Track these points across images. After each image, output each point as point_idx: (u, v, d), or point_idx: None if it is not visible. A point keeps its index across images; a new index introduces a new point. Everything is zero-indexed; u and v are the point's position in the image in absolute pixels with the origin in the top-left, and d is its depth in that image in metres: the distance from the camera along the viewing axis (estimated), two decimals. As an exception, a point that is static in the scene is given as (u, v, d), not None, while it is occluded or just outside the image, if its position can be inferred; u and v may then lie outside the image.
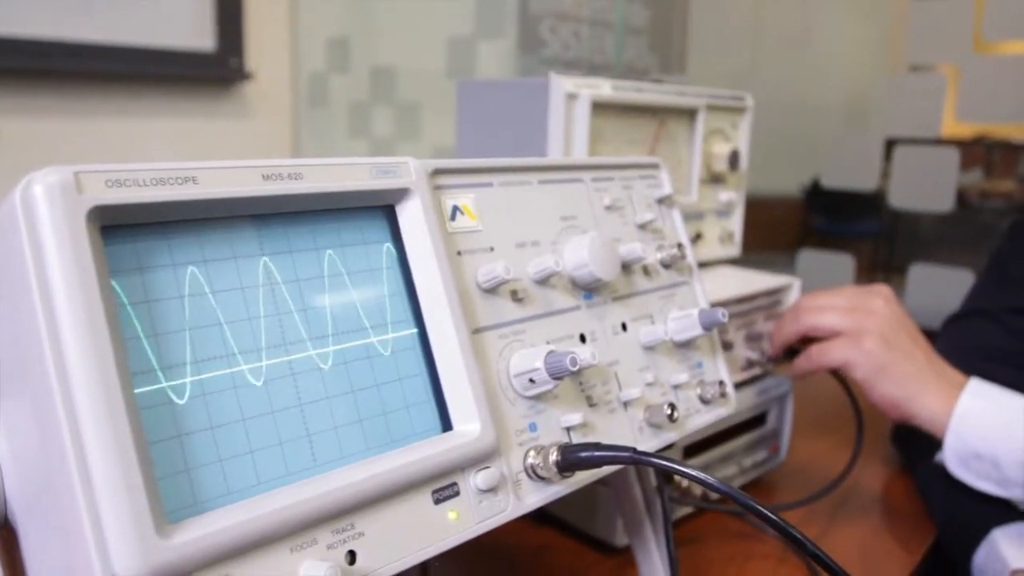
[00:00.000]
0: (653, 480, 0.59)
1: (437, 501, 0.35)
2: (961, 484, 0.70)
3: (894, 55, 1.37)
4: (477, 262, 0.40)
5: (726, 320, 0.48)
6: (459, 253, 0.39)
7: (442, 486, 0.35)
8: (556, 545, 0.75)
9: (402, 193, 0.37)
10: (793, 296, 0.86)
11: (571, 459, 0.37)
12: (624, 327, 0.46)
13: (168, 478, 0.29)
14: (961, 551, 0.73)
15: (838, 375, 0.76)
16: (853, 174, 1.41)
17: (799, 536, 0.34)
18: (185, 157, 1.75)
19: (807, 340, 0.77)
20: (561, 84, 0.71)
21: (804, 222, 3.38)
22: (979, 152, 3.23)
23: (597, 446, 0.37)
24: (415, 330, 0.37)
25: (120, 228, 0.30)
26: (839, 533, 0.75)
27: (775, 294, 0.84)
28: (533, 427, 0.40)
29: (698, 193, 0.84)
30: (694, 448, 0.76)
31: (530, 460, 0.38)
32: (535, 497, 0.39)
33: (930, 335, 0.82)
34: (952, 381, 0.70)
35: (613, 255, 0.44)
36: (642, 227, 0.50)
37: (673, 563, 0.52)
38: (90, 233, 0.27)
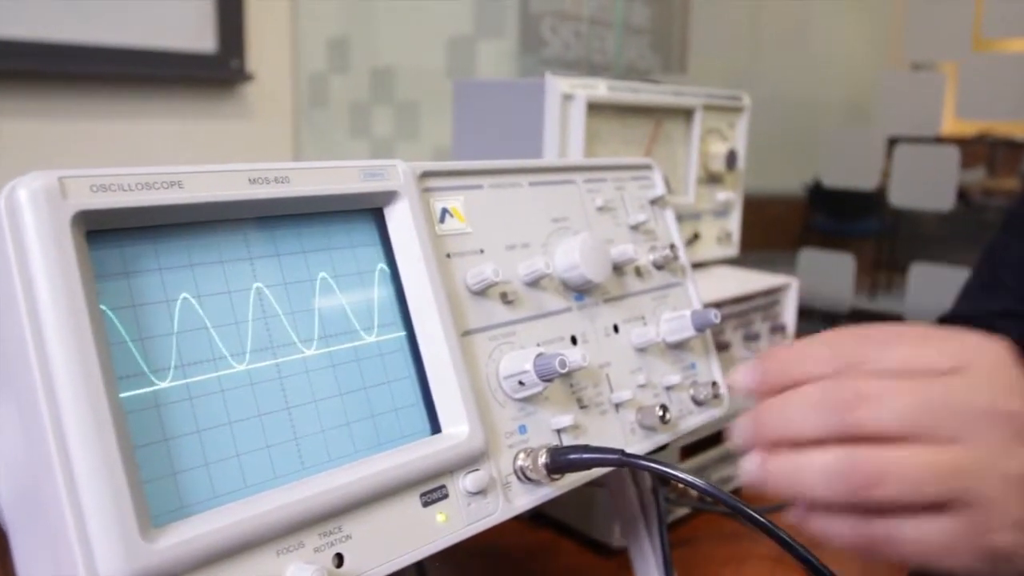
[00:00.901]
0: (648, 482, 0.59)
1: (426, 504, 0.35)
2: None
3: (893, 53, 1.37)
4: (467, 264, 0.40)
5: (718, 321, 0.48)
6: (448, 255, 0.39)
7: (430, 488, 0.35)
8: (555, 547, 0.75)
9: (390, 196, 0.37)
10: (791, 297, 0.86)
11: (560, 461, 0.37)
12: (616, 329, 0.46)
13: (154, 482, 0.29)
14: None
15: None
16: (853, 173, 1.41)
17: (786, 538, 0.34)
18: (186, 158, 1.76)
19: None
20: (557, 85, 0.71)
21: (806, 221, 3.37)
22: (982, 150, 3.22)
23: (586, 448, 0.37)
24: (404, 333, 0.37)
25: (107, 233, 0.30)
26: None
27: (773, 294, 0.84)
28: (523, 429, 0.40)
29: (695, 193, 0.84)
30: (691, 449, 0.76)
31: (520, 462, 0.38)
32: (525, 499, 0.39)
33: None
34: None
35: (604, 257, 0.44)
36: (635, 228, 0.50)
37: (668, 565, 0.52)
38: (75, 238, 0.28)
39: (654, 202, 0.52)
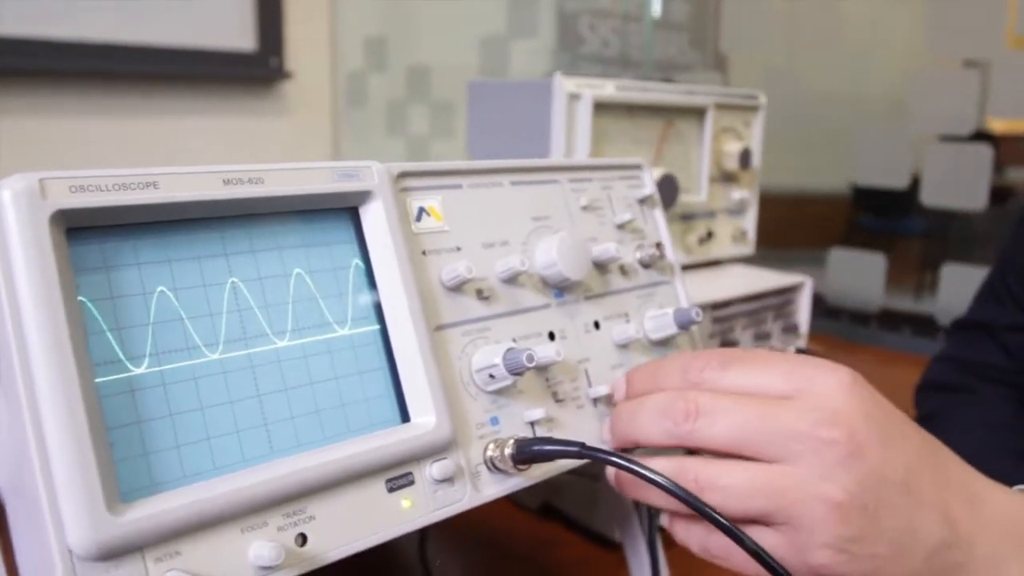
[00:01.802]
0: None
1: (391, 489, 0.36)
2: None
3: (929, 50, 1.35)
4: (442, 261, 0.41)
5: (700, 319, 0.48)
6: (424, 253, 0.41)
7: (396, 475, 0.37)
8: (561, 539, 0.76)
9: (364, 196, 0.39)
10: (805, 296, 0.86)
11: (524, 452, 0.39)
12: (596, 325, 0.48)
13: (126, 460, 0.31)
14: None
15: None
16: (885, 171, 1.39)
17: (737, 532, 0.35)
18: (226, 155, 1.82)
19: None
20: (563, 85, 0.72)
21: (852, 220, 3.31)
22: (1030, 148, 3.12)
23: (548, 440, 0.39)
24: (377, 326, 0.39)
25: (87, 230, 0.32)
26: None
27: (785, 293, 0.84)
28: (495, 421, 0.41)
29: (708, 192, 0.84)
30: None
31: (489, 452, 0.40)
32: (494, 488, 0.40)
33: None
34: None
35: (583, 255, 0.45)
36: (621, 227, 0.51)
37: (655, 560, 0.53)
38: (53, 234, 0.30)
39: (643, 201, 0.53)
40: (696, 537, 0.40)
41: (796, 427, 0.37)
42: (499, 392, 0.41)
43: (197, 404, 0.33)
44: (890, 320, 1.37)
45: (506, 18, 1.96)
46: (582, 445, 0.38)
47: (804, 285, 0.85)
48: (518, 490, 0.41)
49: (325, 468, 0.34)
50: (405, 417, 0.38)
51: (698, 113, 0.83)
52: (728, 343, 0.78)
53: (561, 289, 0.46)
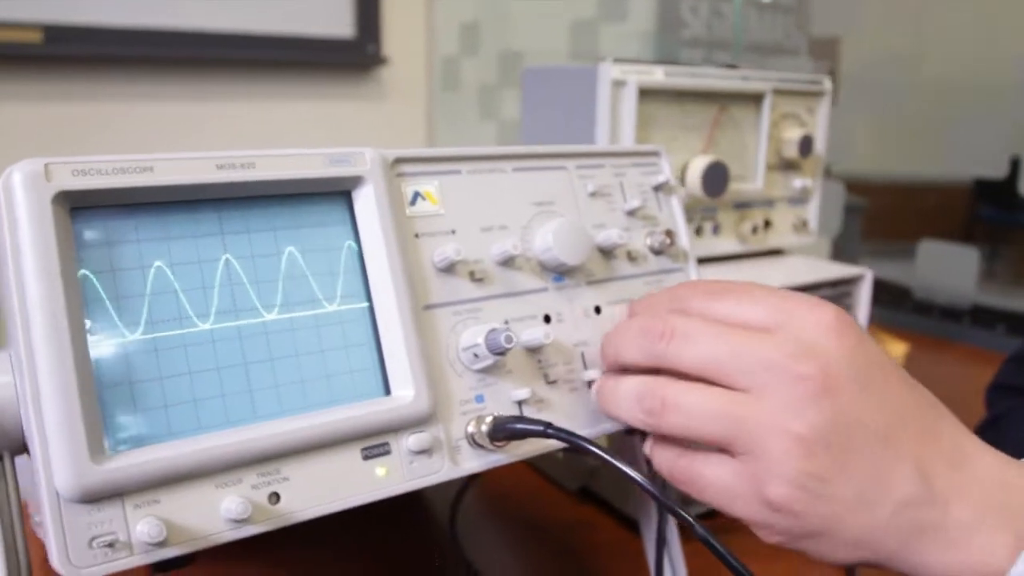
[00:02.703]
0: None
1: (366, 457, 0.39)
2: None
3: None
4: (435, 244, 0.43)
5: (703, 307, 0.48)
6: (417, 235, 0.43)
7: (373, 444, 0.39)
8: (596, 522, 0.77)
9: (357, 180, 0.41)
10: (864, 289, 0.83)
11: (499, 429, 0.40)
12: (598, 310, 0.48)
13: (117, 416, 0.34)
14: None
15: None
16: (989, 160, 1.32)
17: (692, 521, 0.36)
18: (324, 139, 1.91)
19: None
20: (608, 71, 0.73)
21: (974, 211, 3.12)
22: None
23: (520, 419, 0.40)
24: (366, 304, 0.41)
25: (92, 209, 0.35)
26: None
27: (841, 285, 0.82)
28: (480, 399, 0.43)
29: (765, 180, 0.83)
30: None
31: (470, 428, 0.42)
32: (473, 463, 0.42)
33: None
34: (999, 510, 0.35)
35: (582, 240, 0.46)
36: (631, 214, 0.51)
37: (661, 544, 0.53)
38: (55, 213, 0.33)
39: (659, 188, 0.53)
40: (665, 460, 0.41)
41: (769, 357, 0.36)
42: (486, 371, 0.43)
43: (186, 369, 0.36)
44: (984, 317, 1.30)
45: (596, 2, 1.95)
46: (548, 425, 0.39)
47: (864, 277, 0.82)
48: (498, 466, 0.43)
49: (300, 433, 0.37)
50: (388, 390, 0.41)
51: (755, 99, 0.81)
52: (774, 334, 0.76)
53: (560, 273, 0.47)
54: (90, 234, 0.35)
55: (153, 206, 0.37)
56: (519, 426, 0.39)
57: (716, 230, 0.81)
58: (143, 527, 0.33)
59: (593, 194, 0.50)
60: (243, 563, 0.63)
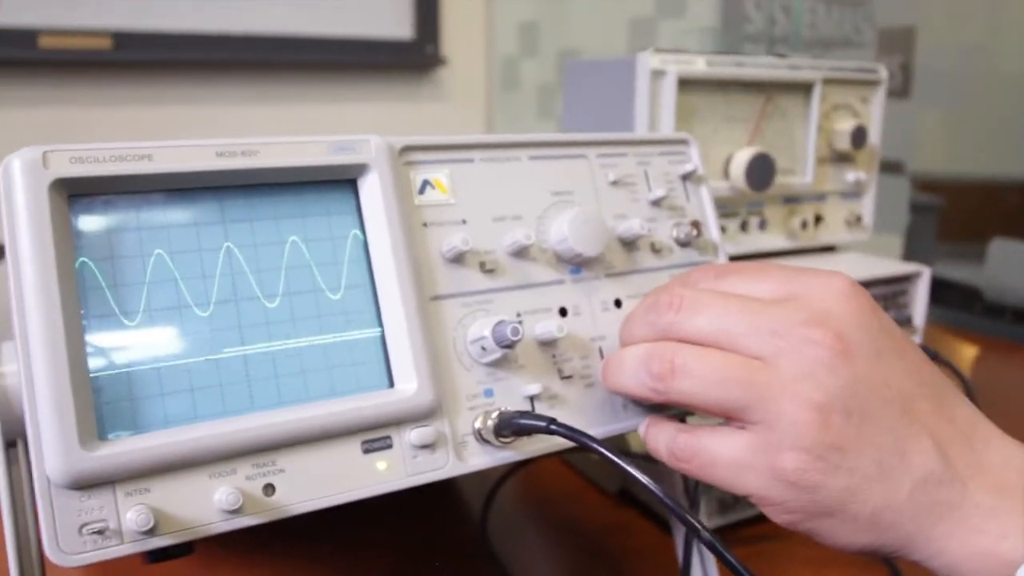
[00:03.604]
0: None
1: (367, 451, 0.38)
2: None
3: None
4: (444, 233, 0.42)
5: (729, 302, 0.46)
6: (425, 225, 0.42)
7: (373, 437, 0.38)
8: (634, 526, 0.75)
9: (362, 168, 0.40)
10: (922, 288, 0.79)
11: (504, 424, 0.39)
12: (618, 303, 0.47)
13: (111, 404, 0.34)
14: None
15: None
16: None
17: (698, 525, 0.34)
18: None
19: None
20: (647, 61, 0.71)
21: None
22: None
23: (525, 414, 0.39)
24: (372, 294, 0.40)
25: (93, 197, 0.36)
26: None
27: (897, 283, 0.78)
28: (489, 393, 0.41)
29: (814, 173, 0.79)
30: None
31: (477, 424, 0.40)
32: (480, 460, 0.40)
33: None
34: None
35: (599, 230, 0.45)
36: (655, 203, 0.49)
37: (688, 549, 0.51)
38: (53, 200, 0.34)
39: (687, 177, 0.51)
40: (664, 438, 0.39)
41: (781, 323, 0.35)
42: (496, 365, 0.42)
43: (184, 358, 0.36)
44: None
45: (655, -1, 1.92)
46: (551, 420, 0.37)
47: (921, 275, 0.78)
48: (506, 463, 0.41)
49: (298, 424, 0.36)
50: (392, 383, 0.40)
51: (804, 89, 0.78)
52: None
53: (578, 265, 0.46)
54: (89, 221, 0.35)
55: (154, 193, 0.37)
56: (523, 421, 0.38)
57: (763, 225, 0.78)
58: (132, 515, 0.32)
59: (615, 183, 0.48)
60: (260, 552, 0.63)
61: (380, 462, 0.38)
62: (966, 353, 1.13)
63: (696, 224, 0.49)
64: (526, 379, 0.43)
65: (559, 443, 0.42)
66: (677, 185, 0.50)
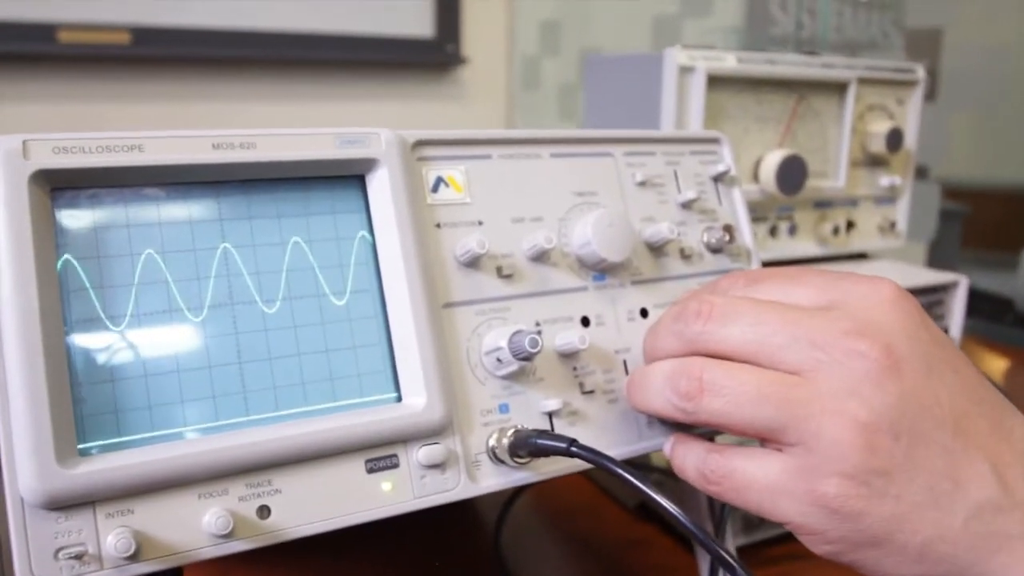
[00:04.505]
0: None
1: (371, 470, 0.35)
2: None
3: None
4: (459, 235, 0.39)
5: (764, 313, 0.43)
6: (438, 225, 0.39)
7: (378, 456, 0.35)
8: (653, 541, 0.72)
9: (370, 163, 0.37)
10: (959, 298, 0.75)
11: (520, 443, 0.36)
12: (644, 313, 0.43)
13: (95, 416, 0.31)
14: None
15: None
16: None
17: (721, 552, 0.30)
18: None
19: None
20: (675, 57, 0.67)
21: None
22: None
23: (543, 433, 0.36)
24: (380, 300, 0.37)
25: (79, 191, 0.33)
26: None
27: (933, 293, 0.74)
28: (504, 408, 0.38)
29: (847, 177, 0.76)
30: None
31: (491, 441, 0.37)
32: (494, 480, 0.37)
33: None
34: None
35: (626, 234, 0.41)
36: (686, 206, 0.46)
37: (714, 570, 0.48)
38: (33, 193, 0.31)
39: (718, 179, 0.48)
40: (693, 459, 0.36)
41: (821, 333, 0.32)
42: (512, 377, 0.39)
43: (174, 367, 0.33)
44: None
45: (679, -3, 1.89)
46: (572, 442, 0.34)
47: (958, 285, 0.74)
48: (523, 484, 0.38)
49: (296, 440, 0.33)
50: (400, 396, 0.37)
51: (838, 88, 0.74)
52: (856, 345, 0.69)
53: (602, 271, 0.43)
54: (73, 217, 0.33)
55: (145, 188, 0.34)
56: (541, 442, 0.35)
57: (792, 231, 0.74)
58: (113, 539, 0.30)
59: (642, 184, 0.45)
60: (257, 561, 0.61)
61: (385, 482, 0.35)
62: (997, 365, 1.09)
63: (728, 228, 0.46)
64: (545, 393, 0.39)
65: (578, 464, 0.39)
66: (708, 187, 0.47)
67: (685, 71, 0.67)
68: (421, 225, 0.38)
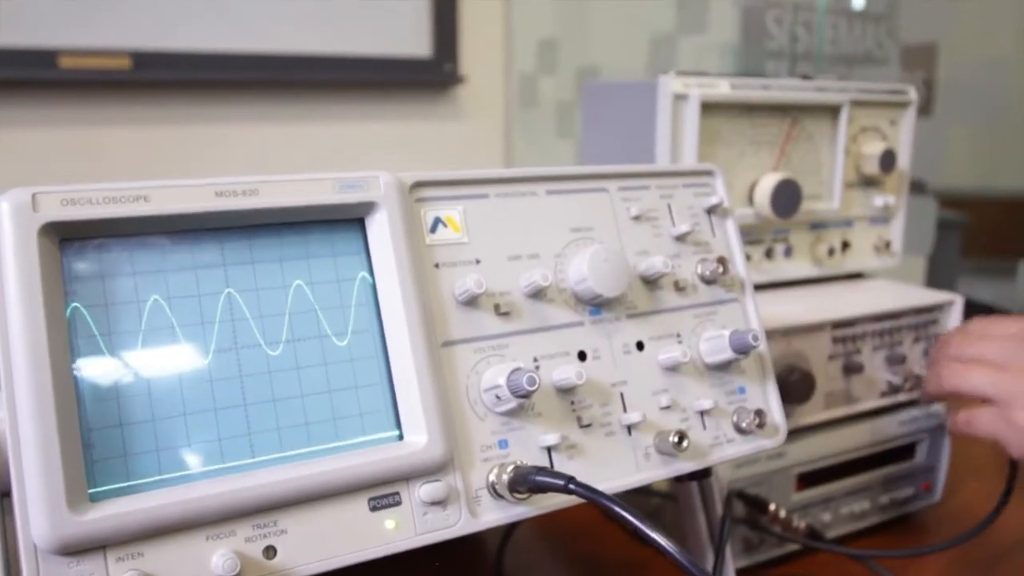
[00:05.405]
0: (717, 508, 0.56)
1: (374, 508, 0.36)
2: None
3: None
4: (457, 274, 0.40)
5: (758, 345, 0.44)
6: (437, 266, 0.40)
7: (381, 494, 0.36)
8: (654, 563, 0.72)
9: (369, 207, 0.38)
10: (954, 317, 0.75)
11: (520, 480, 0.37)
12: (640, 346, 0.44)
13: (105, 461, 0.32)
14: None
15: None
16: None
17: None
18: (402, 159, 1.89)
19: None
20: (669, 84, 0.68)
21: None
22: None
23: (542, 470, 0.36)
24: (380, 340, 0.38)
25: (84, 240, 0.34)
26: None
27: (927, 312, 0.75)
28: (503, 444, 0.39)
29: (841, 198, 0.77)
30: (812, 478, 0.70)
31: (491, 477, 0.38)
32: (493, 515, 0.38)
33: None
34: None
35: (620, 269, 0.42)
36: (680, 239, 0.47)
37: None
38: (43, 245, 0.32)
39: (712, 211, 0.49)
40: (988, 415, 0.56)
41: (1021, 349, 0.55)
42: (511, 414, 0.40)
43: (181, 411, 0.34)
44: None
45: (675, 14, 1.90)
46: (570, 479, 0.35)
47: (952, 304, 0.75)
48: (520, 520, 0.39)
49: (301, 481, 0.34)
50: (401, 435, 0.38)
51: (831, 111, 0.75)
52: (852, 366, 0.70)
53: (597, 306, 0.43)
54: (82, 266, 0.33)
55: (151, 236, 0.35)
56: (540, 479, 0.36)
57: (788, 252, 0.75)
58: (123, 583, 0.30)
59: (637, 218, 0.46)
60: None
61: (388, 520, 0.36)
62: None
63: (722, 260, 0.46)
64: (543, 428, 0.40)
65: (577, 499, 0.39)
66: (702, 219, 0.48)
67: (679, 98, 0.68)
68: (420, 265, 0.39)
